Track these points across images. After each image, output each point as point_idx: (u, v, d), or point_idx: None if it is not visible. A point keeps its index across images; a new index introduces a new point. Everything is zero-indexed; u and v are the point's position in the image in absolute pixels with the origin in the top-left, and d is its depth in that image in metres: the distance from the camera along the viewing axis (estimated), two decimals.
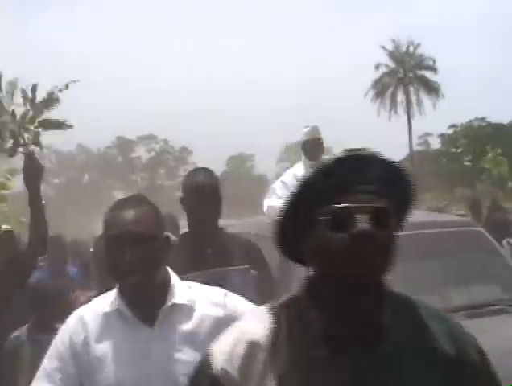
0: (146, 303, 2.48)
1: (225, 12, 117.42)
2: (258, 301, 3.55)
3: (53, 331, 4.59)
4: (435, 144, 60.25)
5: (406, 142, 61.08)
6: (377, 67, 66.39)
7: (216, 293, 2.59)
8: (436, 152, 58.14)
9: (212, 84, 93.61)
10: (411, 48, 66.59)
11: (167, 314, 2.48)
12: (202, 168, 4.03)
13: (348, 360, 1.68)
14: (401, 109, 65.39)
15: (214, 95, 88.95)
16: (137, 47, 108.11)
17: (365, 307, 1.72)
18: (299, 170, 6.34)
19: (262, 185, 70.01)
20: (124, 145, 78.69)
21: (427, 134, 64.43)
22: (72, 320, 2.56)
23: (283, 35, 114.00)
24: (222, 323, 2.41)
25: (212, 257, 3.73)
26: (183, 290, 2.54)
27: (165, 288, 2.52)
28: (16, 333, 4.77)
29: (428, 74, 65.59)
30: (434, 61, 65.13)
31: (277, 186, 6.30)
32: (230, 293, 2.61)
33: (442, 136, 57.74)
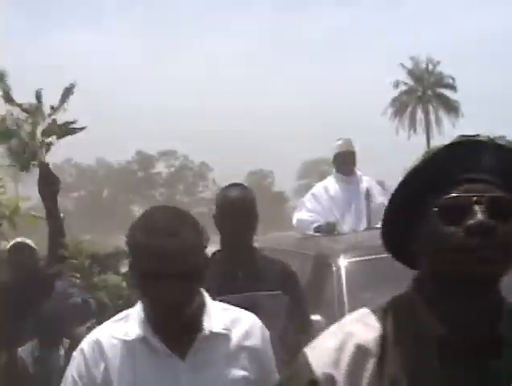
0: (179, 330, 2.15)
1: (240, 28, 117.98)
2: (289, 328, 3.38)
3: (58, 351, 4.59)
4: None
5: None
6: (396, 85, 66.34)
7: (253, 322, 2.31)
8: None
9: (233, 100, 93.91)
10: (430, 66, 66.51)
11: (202, 344, 2.16)
12: (237, 183, 3.78)
13: (464, 372, 1.49)
14: (420, 128, 65.25)
15: (234, 111, 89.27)
16: (155, 63, 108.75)
17: (480, 312, 1.52)
18: (329, 183, 6.12)
19: (281, 201, 70.27)
20: (144, 160, 78.92)
21: None
22: (88, 348, 2.18)
23: (300, 51, 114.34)
24: (258, 357, 2.25)
25: (243, 280, 3.50)
26: (219, 315, 2.23)
27: (200, 312, 2.19)
28: (19, 351, 4.67)
29: (448, 92, 65.42)
30: (453, 79, 65.00)
31: (307, 199, 6.05)
32: (263, 325, 2.36)
33: None
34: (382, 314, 1.59)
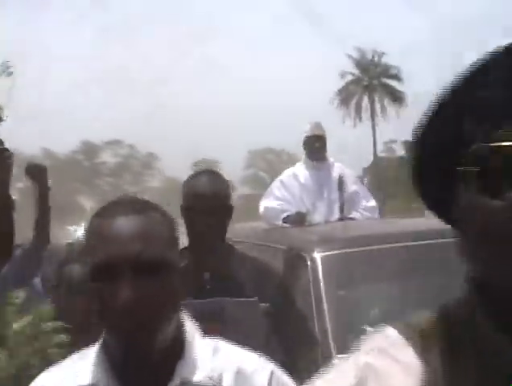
0: (145, 372, 1.56)
1: (187, 19, 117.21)
2: (271, 344, 2.87)
3: None
4: (400, 150, 60.55)
5: (371, 149, 61.34)
6: (342, 75, 66.75)
7: (258, 368, 1.65)
8: (401, 158, 58.46)
9: (177, 89, 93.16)
10: (376, 57, 67.09)
11: None
12: (208, 169, 3.36)
13: None
14: (366, 116, 65.81)
15: (179, 99, 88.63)
16: (102, 48, 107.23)
17: None
18: (299, 170, 5.76)
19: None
20: (90, 149, 77.88)
21: (391, 141, 65.13)
22: None
23: (246, 39, 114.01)
24: None
25: (211, 283, 3.05)
26: (205, 356, 1.62)
27: (176, 350, 1.60)
28: None
29: (393, 83, 66.05)
30: (398, 70, 65.61)
31: (274, 186, 5.66)
32: (279, 371, 1.69)
33: (406, 142, 57.91)
34: (420, 340, 0.94)
